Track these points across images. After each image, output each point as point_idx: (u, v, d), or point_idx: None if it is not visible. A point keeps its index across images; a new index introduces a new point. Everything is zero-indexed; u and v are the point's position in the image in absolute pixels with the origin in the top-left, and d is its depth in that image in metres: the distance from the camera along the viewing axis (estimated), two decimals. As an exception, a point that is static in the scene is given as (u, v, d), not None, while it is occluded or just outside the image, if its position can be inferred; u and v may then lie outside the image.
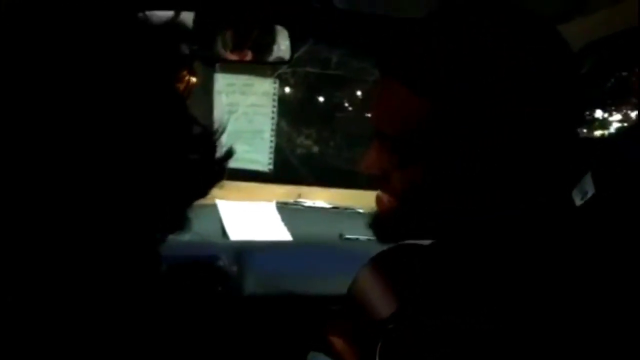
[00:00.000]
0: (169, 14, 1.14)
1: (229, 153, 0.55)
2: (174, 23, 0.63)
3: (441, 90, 0.68)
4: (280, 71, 2.49)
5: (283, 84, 3.83)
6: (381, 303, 0.82)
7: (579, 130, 0.75)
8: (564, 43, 0.71)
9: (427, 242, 0.82)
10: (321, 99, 4.40)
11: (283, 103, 3.73)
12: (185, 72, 0.56)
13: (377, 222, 0.78)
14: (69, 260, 0.44)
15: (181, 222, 0.52)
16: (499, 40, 0.68)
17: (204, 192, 0.53)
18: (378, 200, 0.77)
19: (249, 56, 1.41)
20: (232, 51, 1.39)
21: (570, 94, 0.70)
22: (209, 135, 0.53)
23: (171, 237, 0.57)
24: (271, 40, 1.33)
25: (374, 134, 0.76)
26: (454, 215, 0.72)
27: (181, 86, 0.53)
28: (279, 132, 2.42)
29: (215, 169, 0.53)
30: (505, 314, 0.64)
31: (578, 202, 0.77)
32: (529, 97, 0.68)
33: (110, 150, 0.44)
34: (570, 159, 0.73)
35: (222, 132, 0.54)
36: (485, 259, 0.71)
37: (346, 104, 4.42)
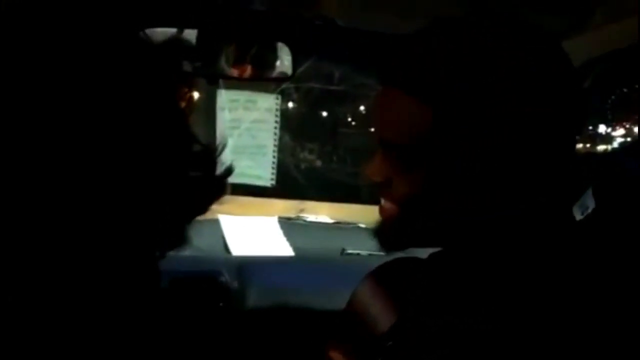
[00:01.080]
0: (172, 31, 1.16)
1: (229, 170, 0.56)
2: (175, 40, 0.63)
3: (442, 97, 0.69)
4: (283, 86, 2.49)
5: (286, 99, 3.84)
6: (380, 316, 0.82)
7: (582, 145, 0.76)
8: (564, 53, 0.72)
9: (425, 254, 0.83)
10: (324, 114, 4.40)
11: (286, 118, 3.74)
12: (187, 89, 0.56)
13: (381, 231, 0.79)
14: (66, 274, 0.44)
15: (181, 239, 0.52)
16: (500, 49, 0.69)
17: (204, 208, 0.53)
18: (381, 209, 0.78)
19: (251, 72, 1.42)
20: (234, 67, 1.40)
21: (570, 101, 0.71)
22: (209, 152, 0.53)
23: (173, 252, 0.57)
24: (273, 57, 1.33)
25: (377, 142, 0.76)
26: (456, 219, 0.72)
27: (183, 103, 0.54)
28: (282, 147, 2.43)
29: (215, 186, 0.53)
30: (504, 316, 0.64)
31: (578, 216, 0.78)
32: (530, 103, 0.68)
33: (109, 166, 0.45)
34: (570, 168, 0.73)
35: (223, 149, 0.54)
36: (485, 263, 0.71)
37: (349, 119, 4.43)
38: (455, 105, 0.69)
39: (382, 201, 0.77)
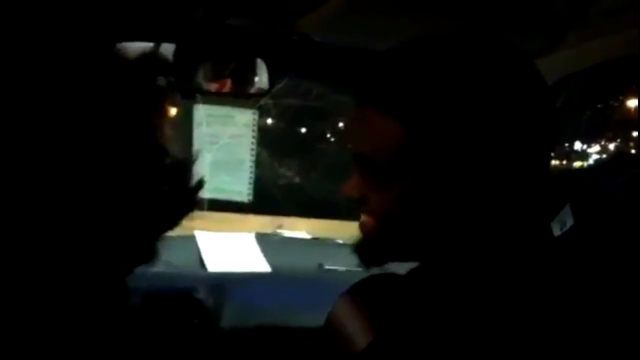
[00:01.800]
0: (149, 45, 1.15)
1: (200, 184, 0.55)
2: (150, 55, 0.63)
3: (413, 114, 0.69)
4: (262, 102, 2.49)
5: (265, 115, 3.85)
6: (358, 333, 0.81)
7: (559, 162, 0.77)
8: (536, 71, 0.73)
9: (403, 270, 0.82)
10: (303, 130, 4.42)
11: (265, 134, 3.74)
12: (161, 103, 0.56)
13: (361, 246, 0.79)
14: (33, 289, 0.43)
15: (150, 254, 0.51)
16: (471, 68, 0.69)
17: (173, 223, 0.52)
18: (361, 225, 0.78)
19: (228, 87, 1.42)
20: (211, 82, 1.39)
21: (542, 118, 0.71)
22: (179, 165, 0.52)
23: (147, 268, 0.56)
24: (250, 72, 1.33)
25: (352, 157, 0.76)
26: (432, 235, 0.73)
27: (155, 117, 0.53)
28: (260, 163, 2.43)
29: (185, 200, 0.53)
30: (481, 333, 0.64)
31: (557, 232, 0.78)
32: (501, 121, 0.69)
33: (76, 179, 0.44)
34: (546, 185, 0.74)
35: (193, 163, 0.54)
36: (462, 279, 0.72)
37: (328, 135, 4.45)
38: (426, 122, 0.69)
39: (362, 217, 0.77)
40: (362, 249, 0.79)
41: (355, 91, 0.76)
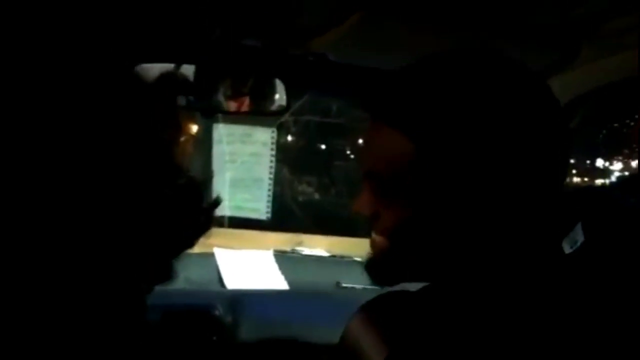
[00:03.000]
0: (170, 66, 1.17)
1: (216, 202, 0.56)
2: (169, 75, 0.64)
3: (423, 130, 0.70)
4: (281, 120, 2.52)
5: (284, 132, 3.87)
6: (372, 350, 0.82)
7: (580, 179, 0.77)
8: (547, 88, 0.73)
9: (417, 288, 0.83)
10: (322, 147, 4.42)
11: (284, 151, 3.76)
12: (180, 122, 0.57)
13: (372, 264, 0.79)
14: (50, 307, 0.44)
15: (168, 273, 0.52)
16: (482, 85, 0.70)
17: (190, 242, 0.53)
18: (372, 242, 0.78)
19: (247, 105, 1.44)
20: (230, 101, 1.41)
21: (553, 135, 0.71)
22: (195, 184, 0.53)
23: (163, 285, 0.57)
24: (269, 91, 1.35)
25: (363, 175, 0.77)
26: (444, 253, 0.73)
27: (171, 135, 0.54)
28: (279, 180, 2.44)
29: (202, 219, 0.54)
30: (493, 351, 0.65)
31: (567, 250, 0.78)
32: (512, 138, 0.69)
33: (93, 198, 0.45)
34: (558, 202, 0.74)
35: (210, 182, 0.55)
36: (474, 297, 0.72)
37: (347, 152, 4.45)
38: (436, 139, 0.69)
39: (373, 234, 0.78)
40: (374, 267, 0.79)
41: (368, 108, 0.77)
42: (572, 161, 0.77)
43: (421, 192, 0.71)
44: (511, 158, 0.69)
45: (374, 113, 0.75)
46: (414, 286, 0.82)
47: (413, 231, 0.73)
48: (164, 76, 0.62)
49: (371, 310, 0.89)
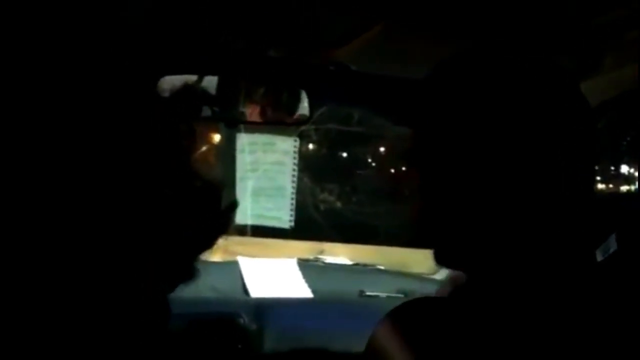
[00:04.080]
0: (193, 78, 1.19)
1: (233, 205, 0.57)
2: (191, 86, 0.65)
3: (454, 138, 0.70)
4: (302, 128, 2.53)
5: (306, 140, 3.88)
6: (398, 358, 0.82)
7: (605, 185, 0.77)
8: (582, 96, 0.73)
9: (442, 296, 0.83)
10: (343, 155, 4.43)
11: (306, 159, 3.77)
12: (195, 130, 0.57)
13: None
14: (70, 306, 0.45)
15: (189, 273, 0.53)
16: (519, 88, 0.70)
17: (209, 243, 0.54)
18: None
19: (270, 115, 1.45)
20: (253, 111, 1.43)
21: (585, 139, 0.71)
22: (212, 188, 0.54)
23: (192, 294, 0.57)
24: (291, 101, 1.36)
25: None
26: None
27: (189, 143, 0.55)
28: (301, 188, 2.44)
29: (218, 220, 0.54)
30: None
31: (600, 258, 0.77)
32: (547, 142, 0.69)
33: (112, 200, 0.46)
34: (589, 209, 0.73)
35: (232, 187, 0.56)
36: (504, 306, 0.71)
37: (368, 160, 4.44)
38: (464, 146, 0.70)
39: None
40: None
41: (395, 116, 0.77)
42: (596, 167, 0.77)
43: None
44: (547, 163, 0.69)
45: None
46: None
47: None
48: (184, 87, 0.63)
49: (397, 318, 0.89)
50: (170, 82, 0.95)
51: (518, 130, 0.69)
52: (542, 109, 0.69)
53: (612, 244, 0.80)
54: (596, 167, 0.77)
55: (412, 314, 0.87)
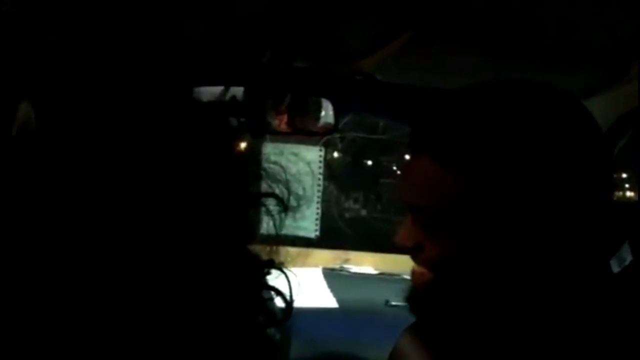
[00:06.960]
0: (219, 89, 1.21)
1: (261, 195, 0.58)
2: (222, 97, 0.66)
3: (472, 166, 0.69)
4: (328, 136, 2.53)
5: (331, 148, 3.89)
6: None
7: (633, 194, 0.76)
8: (593, 120, 0.72)
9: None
10: (369, 163, 4.43)
11: (330, 168, 3.78)
12: (235, 142, 0.59)
13: (413, 295, 0.78)
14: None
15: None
16: (528, 119, 0.69)
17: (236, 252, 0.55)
18: (414, 274, 0.77)
19: (296, 125, 1.46)
20: (279, 121, 1.44)
21: (597, 161, 0.71)
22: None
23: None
24: (317, 111, 1.37)
25: (406, 207, 0.76)
26: (490, 288, 0.72)
27: (225, 151, 0.56)
28: (326, 197, 2.45)
29: (245, 230, 0.55)
30: None
31: (616, 269, 0.77)
32: (558, 167, 0.68)
33: (173, 211, 0.47)
34: (604, 223, 0.72)
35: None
36: (522, 317, 0.71)
37: (394, 168, 4.44)
38: (486, 180, 0.68)
39: (415, 266, 0.76)
40: (415, 299, 0.77)
41: (410, 137, 0.76)
42: (624, 175, 0.76)
43: (469, 226, 0.70)
44: (557, 187, 0.68)
45: (419, 146, 0.74)
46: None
47: (458, 264, 0.71)
48: (218, 98, 0.64)
49: (420, 328, 0.89)
50: (207, 92, 0.96)
51: (536, 163, 0.68)
52: (556, 142, 0.68)
53: (627, 254, 0.79)
54: (623, 175, 0.77)
55: (434, 325, 0.87)
